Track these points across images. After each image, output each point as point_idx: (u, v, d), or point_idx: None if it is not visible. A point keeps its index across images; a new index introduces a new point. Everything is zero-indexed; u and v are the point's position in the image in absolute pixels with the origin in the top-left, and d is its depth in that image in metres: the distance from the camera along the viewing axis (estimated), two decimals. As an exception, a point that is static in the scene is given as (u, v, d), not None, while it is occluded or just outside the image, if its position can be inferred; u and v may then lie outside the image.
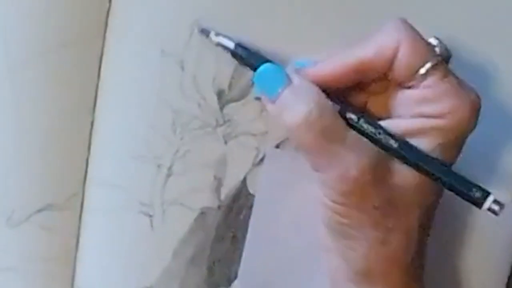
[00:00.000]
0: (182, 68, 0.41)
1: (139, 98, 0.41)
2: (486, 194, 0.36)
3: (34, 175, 0.42)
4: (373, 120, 0.37)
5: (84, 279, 0.43)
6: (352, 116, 0.37)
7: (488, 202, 0.36)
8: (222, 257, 0.43)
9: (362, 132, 0.37)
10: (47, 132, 0.41)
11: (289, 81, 0.37)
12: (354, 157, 0.36)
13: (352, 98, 0.39)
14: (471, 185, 0.36)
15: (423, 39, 0.37)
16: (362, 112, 0.38)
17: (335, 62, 0.37)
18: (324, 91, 0.37)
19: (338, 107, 0.37)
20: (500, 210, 0.36)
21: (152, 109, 0.41)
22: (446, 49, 0.37)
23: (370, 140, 0.37)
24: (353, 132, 0.37)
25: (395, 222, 0.37)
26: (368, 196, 0.36)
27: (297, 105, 0.36)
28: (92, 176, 0.42)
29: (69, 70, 0.41)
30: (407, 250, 0.38)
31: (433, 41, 0.37)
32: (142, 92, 0.41)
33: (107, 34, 0.41)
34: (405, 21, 0.37)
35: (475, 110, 0.36)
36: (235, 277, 0.43)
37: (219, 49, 0.40)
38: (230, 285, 0.44)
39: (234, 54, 0.39)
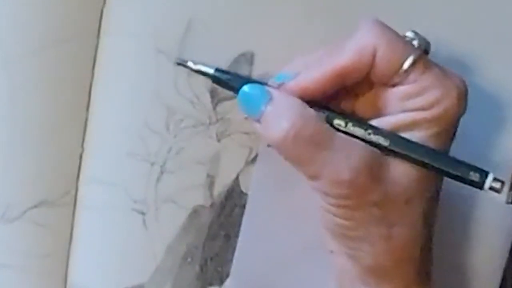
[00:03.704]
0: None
1: (133, 96, 0.41)
2: (485, 174, 0.36)
3: (29, 172, 0.42)
4: (360, 121, 0.37)
5: (77, 276, 0.43)
6: (339, 122, 0.37)
7: (489, 182, 0.36)
8: (214, 255, 0.43)
9: (352, 136, 0.37)
10: (42, 129, 0.41)
11: (270, 97, 0.37)
12: (345, 160, 0.36)
13: (339, 103, 0.39)
14: (468, 168, 0.36)
15: (399, 36, 0.37)
16: (349, 115, 0.38)
17: (315, 73, 0.37)
18: (308, 101, 0.37)
19: (324, 115, 0.37)
20: (501, 187, 0.36)
21: (146, 106, 0.41)
22: (424, 40, 0.37)
23: (361, 141, 0.37)
24: (342, 135, 0.37)
25: (397, 217, 0.37)
26: (366, 195, 0.36)
27: (280, 119, 0.36)
28: (86, 173, 0.42)
29: (63, 67, 0.41)
30: (414, 244, 0.38)
31: (409, 34, 0.37)
32: (136, 90, 0.41)
33: (102, 32, 0.41)
34: (378, 21, 0.37)
35: (462, 95, 0.37)
36: (228, 276, 0.44)
37: (213, 47, 0.40)
38: (222, 283, 0.44)
39: (214, 79, 0.40)
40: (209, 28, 0.41)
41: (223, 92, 0.42)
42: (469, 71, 0.42)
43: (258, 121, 0.37)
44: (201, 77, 0.41)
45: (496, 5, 0.43)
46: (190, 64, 0.40)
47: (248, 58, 0.41)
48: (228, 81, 0.39)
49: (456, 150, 0.38)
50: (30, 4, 0.39)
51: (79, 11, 0.40)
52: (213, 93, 0.42)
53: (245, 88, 0.38)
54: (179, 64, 0.40)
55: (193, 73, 0.41)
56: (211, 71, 0.39)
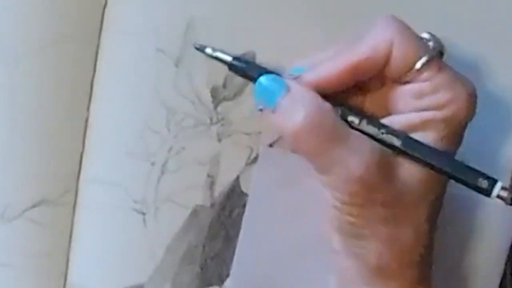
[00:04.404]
0: (177, 65, 0.41)
1: (134, 95, 0.41)
2: (494, 181, 0.36)
3: (28, 171, 0.42)
4: (374, 119, 0.37)
5: (76, 276, 0.43)
6: (353, 118, 0.37)
7: (497, 190, 0.36)
8: (214, 255, 0.43)
9: (365, 133, 0.37)
10: (42, 128, 0.41)
11: (287, 89, 0.37)
12: (358, 157, 0.36)
13: (350, 98, 0.39)
14: (477, 174, 0.36)
15: (415, 34, 0.37)
16: (363, 112, 0.38)
17: (331, 66, 0.37)
18: (322, 95, 0.37)
19: (338, 111, 0.37)
20: (509, 196, 0.36)
21: (147, 106, 0.41)
22: (440, 43, 0.37)
23: (373, 140, 0.37)
24: (356, 132, 0.37)
25: (404, 217, 0.37)
26: (375, 194, 0.36)
27: (296, 111, 0.36)
28: (86, 173, 0.42)
29: (64, 66, 0.41)
30: (417, 244, 0.38)
31: (425, 35, 0.37)
32: (137, 89, 0.41)
33: (103, 31, 0.41)
34: (395, 18, 0.37)
35: (472, 99, 0.37)
36: (228, 275, 0.44)
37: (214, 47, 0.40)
38: (222, 283, 0.44)
39: (232, 67, 0.39)
40: (210, 28, 0.41)
41: (224, 92, 0.42)
42: (469, 72, 0.42)
43: (273, 111, 0.37)
44: (202, 77, 0.41)
45: (495, 7, 0.43)
46: (208, 50, 0.40)
47: (250, 58, 0.41)
48: (245, 70, 0.39)
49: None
50: (30, 4, 0.39)
51: (79, 11, 0.40)
52: (213, 93, 0.42)
53: (262, 79, 0.38)
54: (197, 49, 0.40)
55: (194, 72, 0.41)
56: (228, 59, 0.39)
